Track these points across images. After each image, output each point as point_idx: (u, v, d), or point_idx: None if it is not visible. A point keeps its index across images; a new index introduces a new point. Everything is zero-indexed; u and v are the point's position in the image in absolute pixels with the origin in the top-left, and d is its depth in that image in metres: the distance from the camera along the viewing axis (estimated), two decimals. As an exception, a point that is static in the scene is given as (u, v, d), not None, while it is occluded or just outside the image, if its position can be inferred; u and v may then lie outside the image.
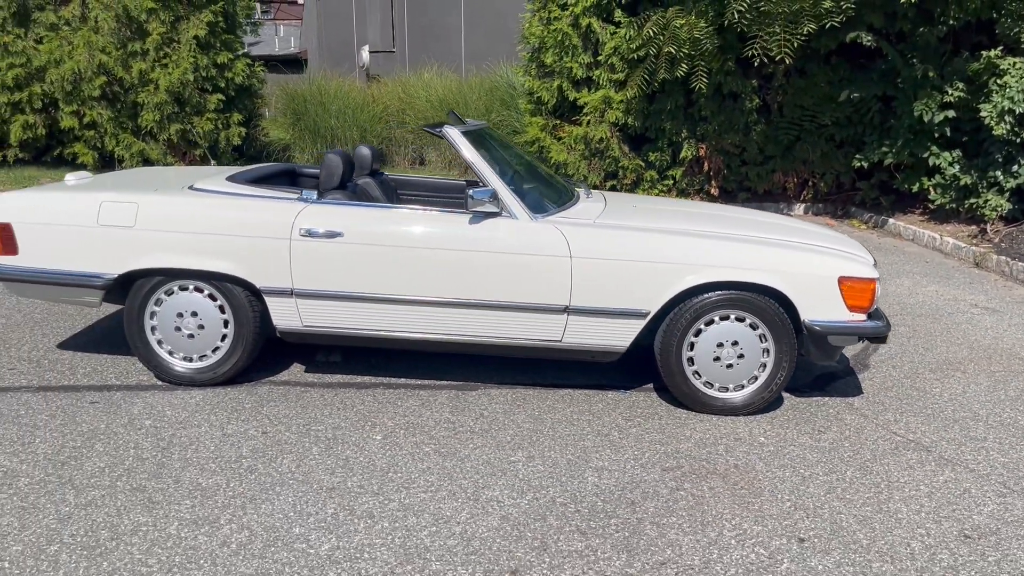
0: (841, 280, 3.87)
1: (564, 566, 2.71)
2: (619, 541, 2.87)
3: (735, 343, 3.93)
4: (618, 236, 3.91)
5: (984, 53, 7.93)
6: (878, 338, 3.97)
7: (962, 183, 8.23)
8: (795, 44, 7.79)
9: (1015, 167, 7.87)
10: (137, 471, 3.23)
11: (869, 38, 8.26)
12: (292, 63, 21.67)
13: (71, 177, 4.53)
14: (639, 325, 3.92)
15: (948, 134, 8.35)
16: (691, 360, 3.96)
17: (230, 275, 3.94)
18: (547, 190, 4.35)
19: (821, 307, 3.88)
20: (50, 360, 4.39)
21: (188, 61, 9.23)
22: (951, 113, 8.20)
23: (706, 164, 9.48)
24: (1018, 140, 7.73)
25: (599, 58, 9.43)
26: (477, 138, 4.23)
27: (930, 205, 8.93)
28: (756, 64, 8.32)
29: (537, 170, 4.68)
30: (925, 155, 8.52)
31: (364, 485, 3.19)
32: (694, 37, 8.32)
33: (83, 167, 9.93)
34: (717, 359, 3.95)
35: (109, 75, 9.33)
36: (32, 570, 2.59)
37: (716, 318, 3.92)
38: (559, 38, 9.41)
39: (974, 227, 8.28)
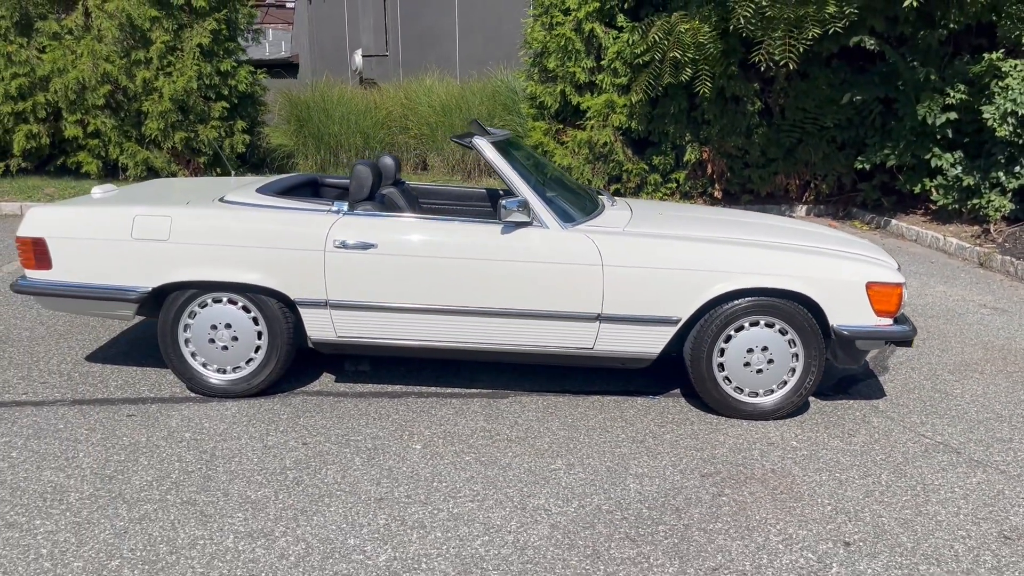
0: (869, 285, 3.93)
1: (619, 573, 2.76)
2: (669, 547, 2.92)
3: (765, 348, 3.98)
4: (649, 244, 3.96)
5: (986, 55, 8.04)
6: (904, 342, 4.03)
7: (965, 184, 8.33)
8: (800, 49, 7.87)
9: (1017, 168, 7.97)
10: (185, 484, 3.26)
11: (872, 42, 8.35)
12: (283, 67, 21.64)
13: (98, 190, 4.55)
14: (670, 332, 3.97)
15: (950, 136, 8.45)
16: (721, 366, 4.01)
17: (265, 287, 3.97)
18: (573, 199, 4.39)
19: (849, 312, 3.94)
20: (80, 373, 4.40)
21: (192, 69, 9.22)
22: (953, 115, 8.30)
23: (709, 167, 9.55)
24: (1020, 141, 7.84)
25: (602, 63, 9.50)
26: (504, 148, 4.27)
27: (931, 206, 9.04)
28: (762, 68, 8.39)
29: (562, 179, 4.72)
30: (927, 156, 8.62)
31: (411, 495, 3.22)
32: (699, 42, 8.39)
33: (87, 176, 9.93)
34: (747, 364, 4.00)
35: (113, 84, 9.31)
36: (96, 586, 2.62)
37: (746, 324, 3.97)
38: (562, 43, 9.46)
39: (976, 227, 8.39)
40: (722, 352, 4.00)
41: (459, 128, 10.47)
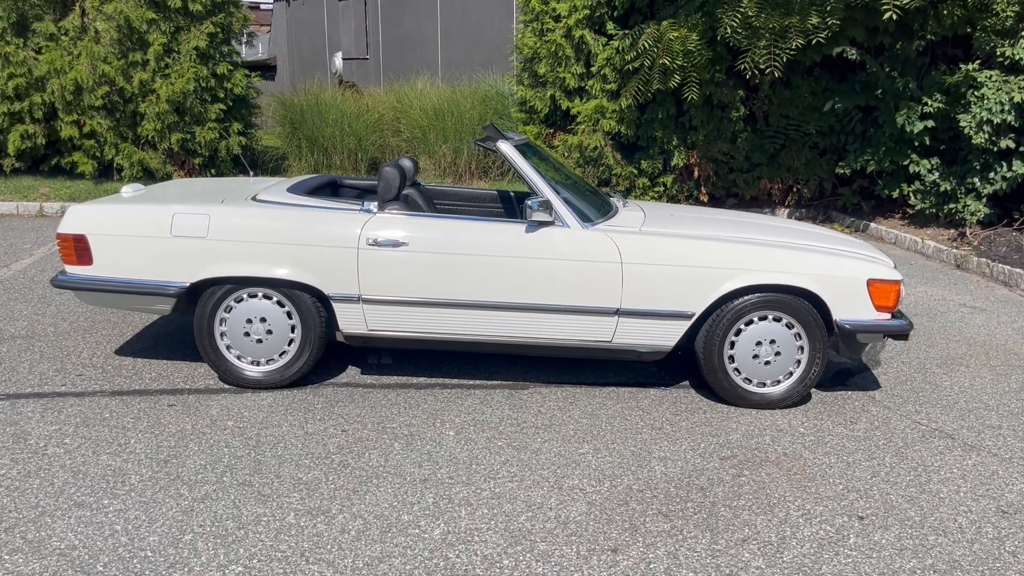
0: (870, 282, 4.20)
1: (657, 544, 2.99)
2: (700, 522, 3.15)
3: (772, 341, 4.24)
4: (665, 243, 4.20)
5: (962, 66, 8.41)
6: (901, 336, 4.31)
7: (942, 189, 8.70)
8: (784, 58, 8.18)
9: (991, 174, 8.35)
10: (237, 468, 3.44)
11: (853, 52, 8.69)
12: (261, 69, 21.68)
13: (127, 189, 4.71)
14: (685, 326, 4.22)
15: (927, 143, 8.81)
16: (732, 358, 4.26)
17: (300, 282, 4.15)
18: (589, 200, 4.62)
19: (851, 307, 4.21)
20: (113, 366, 4.55)
21: (190, 72, 9.34)
22: (930, 123, 8.66)
23: (696, 171, 9.85)
24: (995, 148, 8.21)
25: (592, 69, 9.76)
26: (524, 151, 4.49)
27: (909, 210, 9.41)
28: (747, 76, 8.69)
29: (577, 181, 4.95)
30: (905, 163, 8.98)
31: (453, 476, 3.43)
32: (687, 49, 8.67)
33: (81, 176, 9.99)
34: (756, 357, 4.25)
35: (110, 85, 9.40)
36: (174, 557, 2.79)
37: (755, 318, 4.23)
38: (552, 49, 9.71)
39: (952, 231, 8.75)
40: (732, 345, 4.25)
41: (450, 132, 10.68)
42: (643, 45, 8.74)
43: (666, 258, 4.16)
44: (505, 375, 4.62)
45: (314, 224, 4.18)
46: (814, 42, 8.30)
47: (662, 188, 9.92)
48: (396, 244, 4.14)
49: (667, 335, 4.24)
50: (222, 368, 4.28)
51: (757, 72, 8.48)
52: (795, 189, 10.14)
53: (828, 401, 4.47)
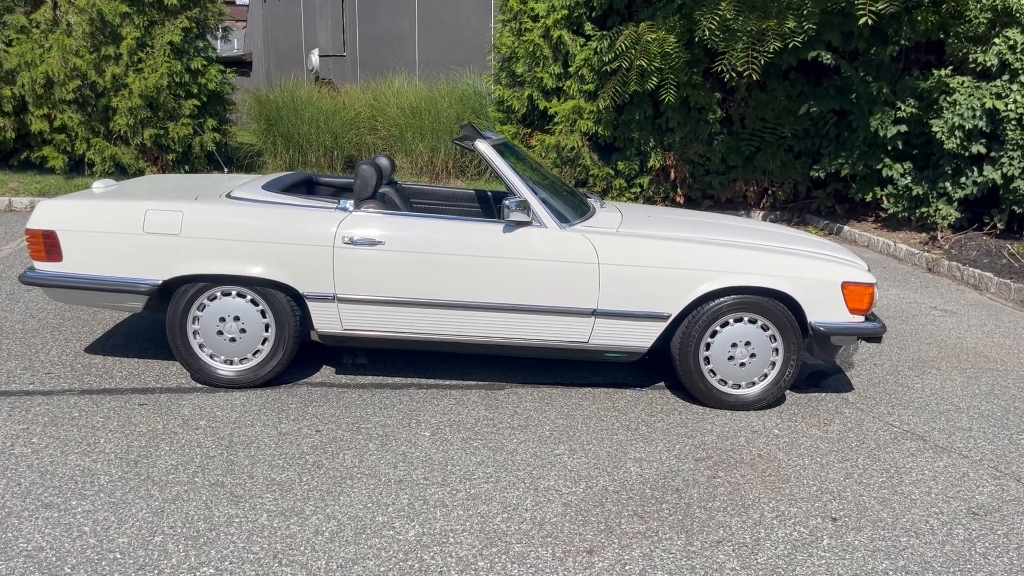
0: (844, 285, 4.23)
1: (632, 545, 2.99)
2: (675, 523, 3.16)
3: (748, 343, 4.26)
4: (642, 244, 4.20)
5: (935, 72, 8.50)
6: (874, 338, 4.34)
7: (914, 193, 8.79)
8: (761, 61, 8.22)
9: (963, 179, 8.45)
10: (209, 468, 3.39)
11: (828, 56, 8.76)
12: (236, 65, 21.50)
13: (99, 185, 4.64)
14: (661, 327, 4.23)
15: (900, 147, 8.90)
16: (707, 359, 4.28)
17: (274, 281, 4.11)
18: (567, 200, 4.61)
19: (825, 310, 4.24)
20: (83, 364, 4.48)
21: (164, 66, 9.23)
22: (903, 128, 8.75)
23: (672, 173, 9.88)
24: (967, 154, 8.31)
25: (569, 69, 9.76)
26: (501, 151, 4.47)
27: (881, 213, 9.50)
28: (725, 79, 8.73)
29: (555, 182, 4.95)
30: (879, 167, 9.07)
31: (428, 477, 3.41)
32: (664, 51, 8.70)
33: (51, 171, 9.84)
34: (731, 358, 4.27)
35: (82, 79, 9.27)
36: (144, 559, 2.75)
37: (731, 320, 4.24)
38: (530, 49, 9.71)
39: (924, 235, 8.85)
40: (708, 346, 4.27)
41: (427, 131, 10.64)
42: (621, 46, 8.76)
43: (643, 259, 4.17)
44: (481, 375, 4.61)
45: (289, 222, 4.14)
46: (791, 46, 8.35)
47: (639, 189, 9.95)
48: (372, 243, 4.11)
49: (643, 336, 4.25)
50: (194, 367, 4.23)
51: (734, 75, 8.51)
52: (770, 192, 10.20)
53: (802, 403, 4.49)
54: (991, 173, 8.22)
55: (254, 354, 4.23)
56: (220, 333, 4.19)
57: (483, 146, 4.36)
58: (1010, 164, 8.12)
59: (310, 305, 4.16)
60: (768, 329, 4.26)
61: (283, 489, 3.26)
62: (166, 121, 9.68)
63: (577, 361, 4.80)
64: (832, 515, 3.28)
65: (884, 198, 9.26)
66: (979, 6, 8.14)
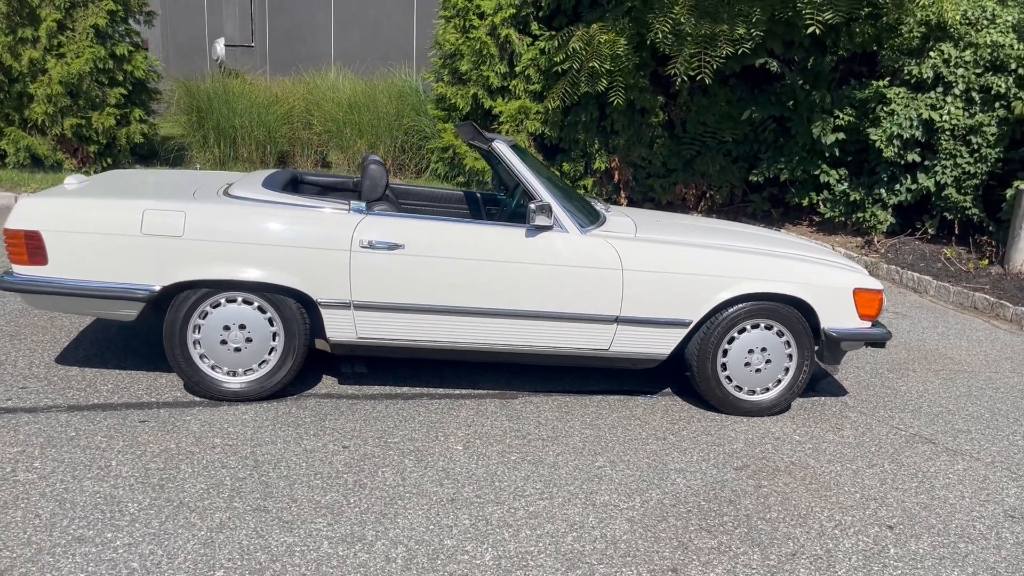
0: (856, 291, 4.30)
1: (713, 562, 2.92)
2: (743, 536, 3.11)
3: (764, 349, 4.27)
4: (666, 251, 4.15)
5: (873, 83, 8.82)
6: (880, 343, 4.43)
7: (851, 199, 9.10)
8: (713, 66, 8.33)
9: (897, 186, 8.80)
10: (244, 491, 3.14)
11: (775, 64, 8.97)
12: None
13: (72, 180, 4.25)
14: (682, 334, 4.19)
15: (837, 154, 9.20)
16: (724, 366, 4.26)
17: (286, 287, 3.86)
18: (579, 205, 4.51)
19: (838, 316, 4.29)
20: (59, 377, 4.10)
21: (89, 52, 8.63)
22: (841, 135, 9.04)
23: (616, 175, 9.92)
24: (902, 162, 8.66)
25: (515, 68, 9.66)
26: (520, 153, 4.34)
27: (816, 217, 9.80)
28: (677, 82, 8.80)
29: (563, 185, 4.84)
30: (816, 172, 9.34)
31: (480, 495, 3.26)
32: (615, 53, 8.71)
33: (-43, 161, 9.06)
34: (747, 364, 4.27)
35: (-4, 63, 8.58)
36: (211, 598, 2.51)
37: (747, 326, 4.24)
38: (477, 47, 9.56)
39: (860, 238, 9.18)
40: (725, 353, 4.25)
41: (367, 127, 10.33)
42: (573, 47, 8.71)
43: (666, 265, 4.12)
44: (489, 384, 4.46)
45: (302, 225, 3.89)
46: (740, 52, 8.49)
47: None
48: (392, 247, 3.90)
49: (664, 343, 4.20)
50: (195, 379, 3.92)
51: (686, 79, 8.59)
52: (708, 195, 10.37)
53: (807, 407, 4.54)
54: (925, 181, 8.58)
55: (260, 365, 3.96)
56: (224, 343, 3.90)
57: (502, 147, 4.22)
58: (943, 173, 8.50)
59: (324, 312, 3.92)
60: (783, 335, 4.28)
61: (333, 512, 3.04)
62: (88, 110, 9.05)
63: (584, 368, 4.71)
64: (887, 523, 3.30)
65: (820, 203, 9.54)
66: (915, 20, 8.49)
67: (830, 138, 9.01)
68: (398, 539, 2.90)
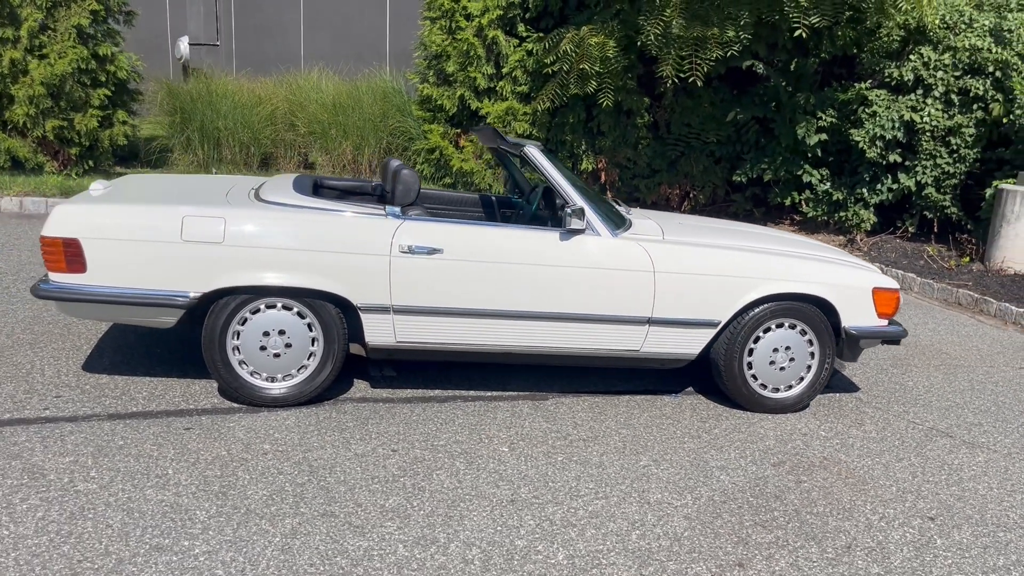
0: (874, 290, 4.44)
1: (775, 556, 3.01)
2: (797, 530, 3.21)
3: (787, 348, 4.39)
4: (696, 252, 4.25)
5: (856, 85, 9.04)
6: (897, 340, 4.58)
7: (834, 198, 9.31)
8: (704, 68, 8.47)
9: (879, 185, 9.03)
10: (306, 497, 3.16)
11: (762, 67, 9.14)
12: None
13: (97, 185, 4.21)
14: (711, 334, 4.29)
15: (819, 154, 9.41)
16: (750, 365, 4.37)
17: (328, 292, 3.87)
18: (606, 207, 4.58)
19: (857, 314, 4.43)
20: (91, 385, 4.06)
21: (73, 52, 8.48)
22: (824, 136, 9.25)
23: (603, 176, 10.02)
24: (884, 162, 8.89)
25: (502, 70, 9.71)
26: (550, 157, 4.40)
27: (798, 216, 10.01)
28: (668, 84, 8.91)
29: (587, 188, 4.90)
30: (799, 172, 9.55)
31: (538, 496, 3.31)
32: (605, 56, 8.81)
33: (-66, 164, 8.85)
34: (772, 363, 4.39)
35: (-24, 64, 8.39)
36: (303, 604, 2.53)
37: (772, 326, 4.35)
38: (464, 48, 9.59)
39: (842, 237, 9.40)
40: (751, 352, 4.36)
41: (352, 127, 10.29)
42: (564, 49, 8.79)
43: (697, 267, 4.21)
44: (518, 385, 4.52)
45: (342, 230, 3.90)
46: (729, 54, 8.64)
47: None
48: (431, 251, 3.94)
49: (693, 344, 4.30)
50: (234, 385, 3.91)
51: (677, 80, 8.71)
52: (691, 195, 10.53)
53: (825, 404, 4.67)
54: (907, 180, 8.83)
55: (299, 370, 3.97)
56: (263, 348, 3.90)
57: (534, 151, 4.28)
58: (923, 172, 8.75)
59: (364, 317, 3.94)
60: (806, 334, 4.40)
61: (400, 516, 3.07)
62: (70, 112, 8.90)
63: (606, 369, 4.78)
64: (927, 515, 3.43)
65: (803, 202, 9.75)
66: (895, 23, 8.72)
67: (814, 139, 9.21)
68: (470, 541, 2.94)
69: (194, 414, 3.82)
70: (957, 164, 8.69)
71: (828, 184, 9.38)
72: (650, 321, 4.19)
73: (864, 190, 9.11)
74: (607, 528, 3.11)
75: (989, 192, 8.27)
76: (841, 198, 9.26)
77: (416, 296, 3.95)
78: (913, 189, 8.86)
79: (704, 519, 3.24)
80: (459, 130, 10.12)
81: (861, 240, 9.14)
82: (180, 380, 4.19)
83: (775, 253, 4.42)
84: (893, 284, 4.51)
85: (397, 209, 4.07)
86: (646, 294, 4.15)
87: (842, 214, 9.30)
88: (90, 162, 9.24)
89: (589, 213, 4.15)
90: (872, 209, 9.14)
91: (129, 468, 3.26)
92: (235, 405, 3.95)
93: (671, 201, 10.55)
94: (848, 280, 4.42)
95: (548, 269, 4.05)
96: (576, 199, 4.16)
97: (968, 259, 8.31)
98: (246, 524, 2.93)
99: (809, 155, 9.46)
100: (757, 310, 4.30)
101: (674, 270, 4.18)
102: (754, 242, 4.62)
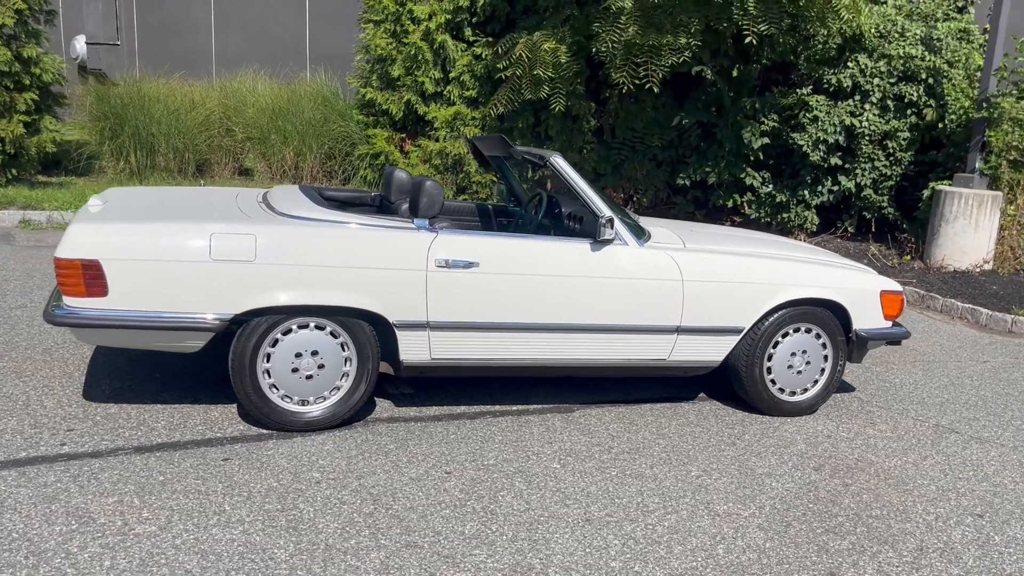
0: (882, 293, 4.57)
1: (860, 563, 3.05)
2: (867, 536, 3.26)
3: (804, 352, 4.48)
4: (721, 260, 4.28)
5: (797, 91, 9.34)
6: (899, 341, 4.73)
7: (777, 200, 9.59)
8: (659, 74, 8.58)
9: (820, 187, 9.35)
10: (380, 527, 3.01)
11: (708, 72, 9.33)
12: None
13: (96, 201, 3.94)
14: (734, 340, 4.33)
15: (760, 157, 9.68)
16: (769, 370, 4.44)
17: (362, 310, 3.72)
18: (626, 217, 4.57)
19: (867, 317, 4.56)
20: (101, 416, 3.78)
21: (2, 54, 7.92)
22: (767, 140, 9.52)
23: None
24: (825, 165, 9.21)
25: (450, 75, 9.60)
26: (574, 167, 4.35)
27: (738, 218, 10.26)
28: (623, 90, 8.98)
29: (606, 198, 4.87)
30: (742, 175, 9.79)
31: (611, 514, 3.26)
32: (557, 61, 8.82)
33: None
34: (790, 367, 4.47)
35: None
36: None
37: (790, 330, 4.43)
38: (412, 52, 9.43)
39: (784, 238, 9.67)
40: (770, 357, 4.43)
41: (293, 132, 9.98)
42: (519, 54, 8.75)
43: (723, 275, 4.24)
44: (539, 398, 4.46)
45: (376, 245, 3.75)
46: (681, 61, 8.78)
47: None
48: (468, 265, 3.84)
49: (717, 351, 4.33)
50: (264, 411, 3.71)
51: (632, 86, 8.78)
52: (634, 198, 10.66)
53: (831, 404, 4.79)
54: (846, 183, 9.17)
55: (332, 392, 3.80)
56: (295, 371, 3.72)
57: (559, 161, 4.23)
58: (862, 175, 9.12)
59: (400, 334, 3.81)
60: (820, 338, 4.50)
61: (485, 543, 2.97)
62: (-9, 117, 8.30)
63: (621, 378, 4.77)
64: (974, 512, 3.54)
65: (744, 204, 10.00)
66: (831, 31, 9.03)
67: (758, 142, 9.45)
68: (567, 566, 2.87)
69: (225, 443, 3.61)
70: (893, 167, 9.08)
71: (771, 186, 9.65)
72: (679, 330, 4.19)
73: (806, 192, 9.41)
74: (691, 544, 3.08)
75: (926, 193, 8.68)
76: (784, 200, 9.54)
77: (453, 311, 3.84)
78: (852, 191, 9.21)
79: (777, 528, 3.25)
80: (403, 135, 9.94)
81: (804, 240, 9.43)
82: (195, 406, 3.95)
83: (792, 259, 4.51)
84: (898, 287, 4.66)
85: (425, 222, 3.94)
86: (675, 302, 4.16)
87: (785, 215, 9.58)
88: (14, 171, 8.64)
89: (617, 223, 4.12)
90: (814, 210, 9.45)
91: (182, 506, 3.04)
92: (264, 432, 3.75)
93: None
94: (858, 284, 4.54)
95: (582, 280, 4.01)
96: (604, 209, 4.13)
97: (909, 257, 8.70)
98: (332, 561, 2.77)
99: (751, 158, 9.70)
100: (776, 315, 4.36)
101: (701, 278, 4.20)
102: (767, 248, 4.69)
